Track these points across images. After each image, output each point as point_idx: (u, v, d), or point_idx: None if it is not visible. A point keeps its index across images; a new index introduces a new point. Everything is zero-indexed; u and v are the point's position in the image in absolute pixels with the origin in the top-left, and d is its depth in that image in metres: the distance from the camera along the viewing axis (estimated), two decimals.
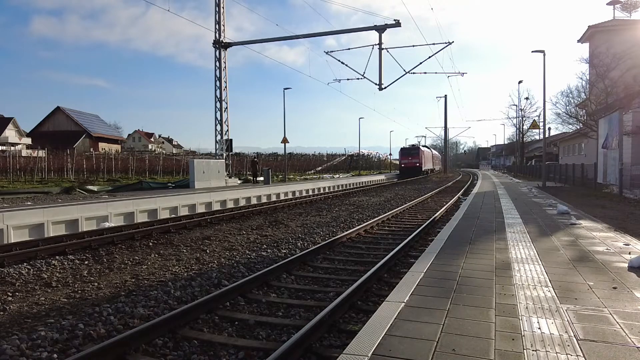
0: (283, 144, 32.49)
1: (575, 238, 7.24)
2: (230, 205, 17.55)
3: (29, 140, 60.81)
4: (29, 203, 14.30)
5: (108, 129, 75.87)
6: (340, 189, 28.76)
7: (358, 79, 26.71)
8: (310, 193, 24.80)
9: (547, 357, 2.81)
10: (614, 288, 4.31)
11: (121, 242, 9.74)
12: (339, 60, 26.05)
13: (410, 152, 51.73)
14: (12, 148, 50.92)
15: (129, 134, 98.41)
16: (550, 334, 3.16)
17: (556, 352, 2.86)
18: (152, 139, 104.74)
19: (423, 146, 61.61)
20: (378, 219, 12.45)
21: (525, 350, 2.89)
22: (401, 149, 54.38)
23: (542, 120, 26.34)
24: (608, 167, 19.20)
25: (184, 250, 8.99)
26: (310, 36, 27.20)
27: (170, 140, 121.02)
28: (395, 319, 3.46)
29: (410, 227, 11.59)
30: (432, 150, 71.14)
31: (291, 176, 42.47)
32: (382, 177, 44.57)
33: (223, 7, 26.42)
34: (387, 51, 25.19)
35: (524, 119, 51.67)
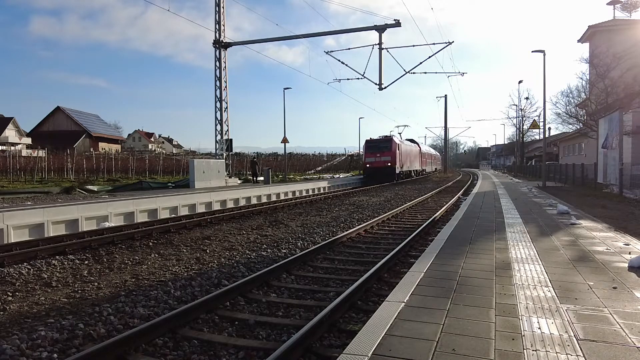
0: (283, 144, 32.50)
1: (575, 238, 7.24)
2: (230, 205, 17.55)
3: (29, 140, 60.88)
4: (29, 203, 14.30)
5: (108, 128, 75.93)
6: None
7: (358, 78, 26.75)
8: (310, 193, 24.80)
9: (547, 357, 2.81)
10: (614, 288, 4.31)
11: (121, 242, 9.74)
12: (339, 60, 26.08)
13: (379, 146, 35.06)
14: (12, 148, 50.95)
15: (129, 134, 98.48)
16: (550, 333, 3.17)
17: (556, 352, 2.86)
18: (152, 139, 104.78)
19: (408, 140, 46.29)
20: (378, 218, 12.45)
21: (525, 350, 2.89)
22: (366, 141, 36.68)
23: (542, 120, 26.37)
24: (608, 167, 19.20)
25: (184, 250, 8.99)
26: (310, 36, 27.22)
27: (170, 140, 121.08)
28: (395, 318, 3.46)
29: (411, 227, 11.59)
30: (421, 145, 52.87)
31: (291, 176, 42.43)
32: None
33: (223, 7, 26.42)
34: (387, 51, 25.23)
35: (524, 119, 51.63)
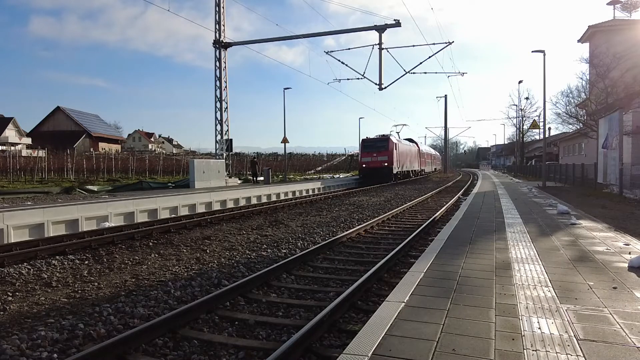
0: (283, 144, 32.51)
1: (576, 238, 7.24)
2: (230, 205, 17.55)
3: (29, 140, 60.92)
4: (29, 203, 14.30)
5: (108, 129, 75.96)
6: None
7: (358, 78, 26.82)
8: (310, 193, 24.80)
9: (547, 357, 2.81)
10: (614, 288, 4.31)
11: (121, 242, 9.73)
12: (339, 60, 26.15)
13: (376, 145, 34.08)
14: (12, 148, 50.95)
15: (129, 134, 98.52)
16: (550, 334, 3.17)
17: (556, 352, 2.86)
18: (152, 139, 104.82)
19: (406, 139, 44.92)
20: (378, 218, 12.45)
21: (525, 350, 2.89)
22: (362, 140, 35.52)
23: (542, 120, 26.38)
24: (608, 167, 19.20)
25: (184, 250, 8.99)
26: (310, 36, 27.25)
27: (170, 140, 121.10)
28: (395, 318, 3.47)
29: (411, 227, 11.59)
30: (420, 145, 51.41)
31: (291, 176, 42.44)
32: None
33: (223, 7, 26.44)
34: (387, 51, 25.26)
35: (524, 119, 51.69)
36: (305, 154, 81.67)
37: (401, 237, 9.78)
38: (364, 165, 34.36)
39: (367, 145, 34.59)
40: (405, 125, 43.91)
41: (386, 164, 33.43)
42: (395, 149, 34.85)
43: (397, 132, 44.29)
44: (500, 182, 28.78)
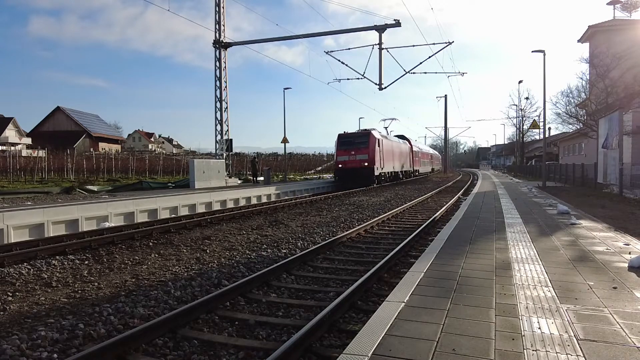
0: (283, 144, 32.52)
1: (576, 238, 7.24)
2: (230, 205, 17.55)
3: (29, 140, 60.95)
4: (29, 203, 14.30)
5: (108, 129, 75.99)
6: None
7: (358, 78, 26.81)
8: (311, 193, 24.80)
9: (547, 357, 2.81)
10: (614, 288, 4.31)
11: (121, 242, 9.73)
12: (338, 60, 26.11)
13: (355, 142, 28.89)
14: (12, 148, 50.98)
15: (129, 134, 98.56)
16: (551, 333, 3.17)
17: (556, 352, 2.86)
18: (152, 139, 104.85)
19: (397, 136, 40.33)
20: (378, 218, 12.45)
21: (525, 350, 2.89)
22: (339, 136, 29.79)
23: (542, 120, 26.38)
24: (608, 167, 19.21)
25: (184, 250, 8.99)
26: (309, 36, 27.25)
27: (170, 140, 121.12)
28: (395, 318, 3.47)
29: (411, 227, 11.59)
30: (414, 142, 46.47)
31: (291, 176, 42.45)
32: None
33: (223, 7, 26.45)
34: (387, 51, 25.26)
35: (524, 119, 51.73)
36: (305, 154, 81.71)
37: (401, 237, 9.78)
38: (340, 166, 28.98)
39: (345, 141, 29.20)
40: (395, 119, 40.43)
41: (366, 164, 28.15)
42: (378, 146, 29.50)
43: (385, 127, 38.98)
44: (500, 182, 28.79)
